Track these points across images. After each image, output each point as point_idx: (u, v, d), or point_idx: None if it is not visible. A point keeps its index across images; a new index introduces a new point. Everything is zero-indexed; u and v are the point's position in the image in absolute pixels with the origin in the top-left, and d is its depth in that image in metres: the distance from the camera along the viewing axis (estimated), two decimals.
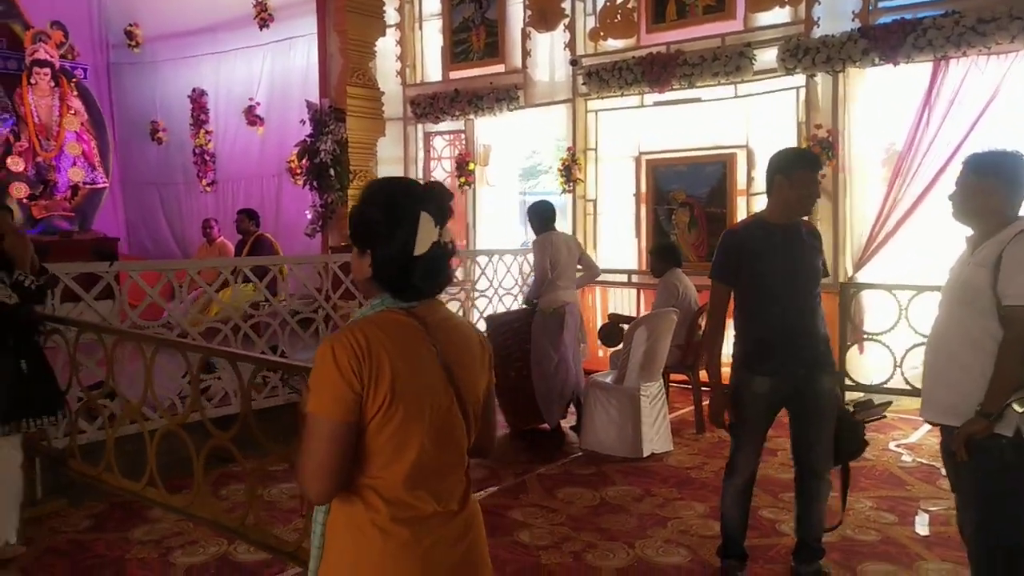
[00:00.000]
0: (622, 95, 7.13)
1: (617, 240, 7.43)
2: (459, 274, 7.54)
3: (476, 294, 7.10)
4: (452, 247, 1.56)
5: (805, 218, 3.09)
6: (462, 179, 8.30)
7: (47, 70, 8.87)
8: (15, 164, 8.73)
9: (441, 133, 8.72)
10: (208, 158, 10.31)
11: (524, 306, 5.54)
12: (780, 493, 4.08)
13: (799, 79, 6.24)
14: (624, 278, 7.26)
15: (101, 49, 10.59)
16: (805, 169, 2.90)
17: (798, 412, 3.05)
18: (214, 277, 5.50)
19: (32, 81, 8.83)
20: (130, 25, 10.55)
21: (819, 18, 6.11)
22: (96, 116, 9.48)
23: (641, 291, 7.09)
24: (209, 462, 3.26)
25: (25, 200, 8.75)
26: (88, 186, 9.30)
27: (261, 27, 9.58)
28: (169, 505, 3.29)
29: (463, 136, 8.47)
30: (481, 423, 1.66)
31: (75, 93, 9.16)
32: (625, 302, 7.26)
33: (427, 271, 1.50)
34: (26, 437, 3.69)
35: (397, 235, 1.48)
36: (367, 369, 1.42)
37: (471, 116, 8.20)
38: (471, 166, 8.26)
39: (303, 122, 8.35)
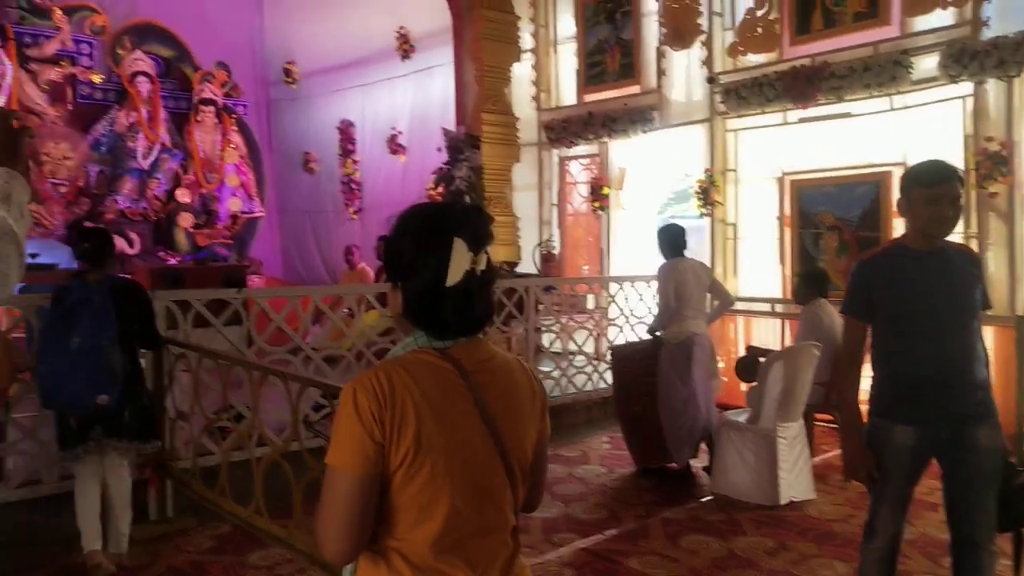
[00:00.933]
0: (763, 112, 6.72)
1: (759, 267, 6.98)
2: (591, 301, 7.35)
3: (607, 322, 6.87)
4: (491, 275, 1.38)
5: (958, 242, 2.67)
6: (596, 203, 8.12)
7: (211, 108, 9.54)
8: (183, 196, 9.42)
9: (576, 157, 8.59)
10: (355, 187, 10.71)
11: (651, 336, 5.26)
12: (941, 557, 3.57)
13: (965, 87, 5.62)
14: (767, 307, 6.79)
15: (262, 86, 11.30)
16: (934, 184, 2.49)
17: (951, 470, 2.61)
18: (352, 302, 5.82)
19: (198, 119, 9.52)
20: (288, 63, 11.22)
21: (989, 18, 5.48)
22: (254, 149, 10.09)
23: (785, 322, 6.60)
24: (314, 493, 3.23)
25: (191, 229, 9.41)
26: (246, 215, 9.90)
27: (403, 58, 9.90)
28: (270, 533, 3.29)
29: (598, 160, 8.30)
30: (532, 475, 1.47)
31: (235, 128, 9.79)
32: (769, 333, 6.78)
33: (459, 304, 1.34)
34: (152, 456, 3.85)
35: (427, 264, 1.33)
36: (389, 416, 1.27)
37: (605, 139, 8.02)
38: (605, 190, 8.06)
39: (439, 150, 8.49)
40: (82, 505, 3.51)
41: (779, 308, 6.68)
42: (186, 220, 9.34)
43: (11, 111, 1.59)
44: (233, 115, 9.82)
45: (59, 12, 8.68)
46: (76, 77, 8.87)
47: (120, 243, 8.77)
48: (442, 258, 1.32)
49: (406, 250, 1.35)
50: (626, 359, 5.30)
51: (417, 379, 1.32)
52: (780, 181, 6.76)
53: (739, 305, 6.89)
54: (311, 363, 5.05)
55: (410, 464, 1.28)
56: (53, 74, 8.62)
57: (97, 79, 9.01)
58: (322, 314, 5.47)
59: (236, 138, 9.78)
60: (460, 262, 1.32)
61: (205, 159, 9.58)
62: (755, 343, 6.39)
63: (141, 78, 9.15)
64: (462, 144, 8.25)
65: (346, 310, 6.64)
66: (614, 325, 6.80)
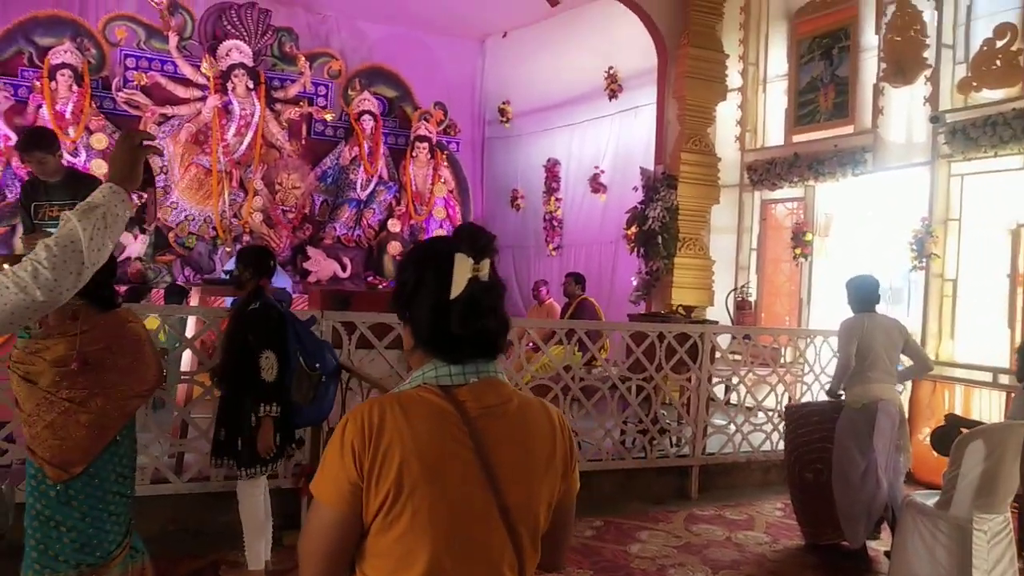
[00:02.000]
0: (996, 155, 5.91)
1: (982, 329, 6.10)
2: (786, 354, 6.81)
3: (795, 378, 6.32)
4: (497, 283, 1.30)
5: None
6: (798, 250, 7.56)
7: (425, 144, 10.14)
8: (394, 226, 10.06)
9: (779, 201, 8.07)
10: (556, 224, 10.84)
11: (829, 398, 4.74)
12: None
13: None
14: (988, 376, 5.90)
15: (478, 125, 11.84)
16: None
17: None
18: (546, 335, 5.97)
19: (414, 154, 10.15)
20: (503, 103, 11.67)
21: None
22: (462, 184, 10.55)
23: (1012, 396, 5.68)
24: None
25: (398, 257, 10.01)
26: None
27: (610, 98, 9.94)
28: None
29: (802, 204, 7.74)
30: (549, 536, 1.33)
31: (446, 164, 10.31)
32: (990, 407, 5.88)
33: (467, 314, 1.26)
34: (306, 468, 4.06)
35: (430, 282, 1.28)
36: (371, 456, 1.20)
37: (811, 182, 7.47)
38: (808, 236, 7.48)
39: (635, 189, 8.37)
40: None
41: (1003, 379, 5.77)
42: (395, 248, 9.94)
43: (139, 132, 1.70)
44: (445, 151, 10.35)
45: (303, 59, 9.67)
46: (312, 116, 9.83)
47: (333, 266, 9.54)
48: (444, 271, 1.26)
49: (408, 278, 1.32)
50: (800, 420, 4.82)
51: (411, 418, 1.24)
52: (1014, 233, 5.89)
53: (957, 372, 6.07)
54: None
55: (389, 509, 1.20)
56: (293, 113, 9.60)
57: (329, 117, 9.92)
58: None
59: (446, 173, 10.29)
60: (463, 271, 1.26)
61: (416, 192, 10.17)
62: (971, 416, 5.56)
63: (366, 116, 9.93)
64: (658, 183, 8.07)
65: (530, 344, 6.70)
66: (802, 382, 6.24)
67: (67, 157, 8.16)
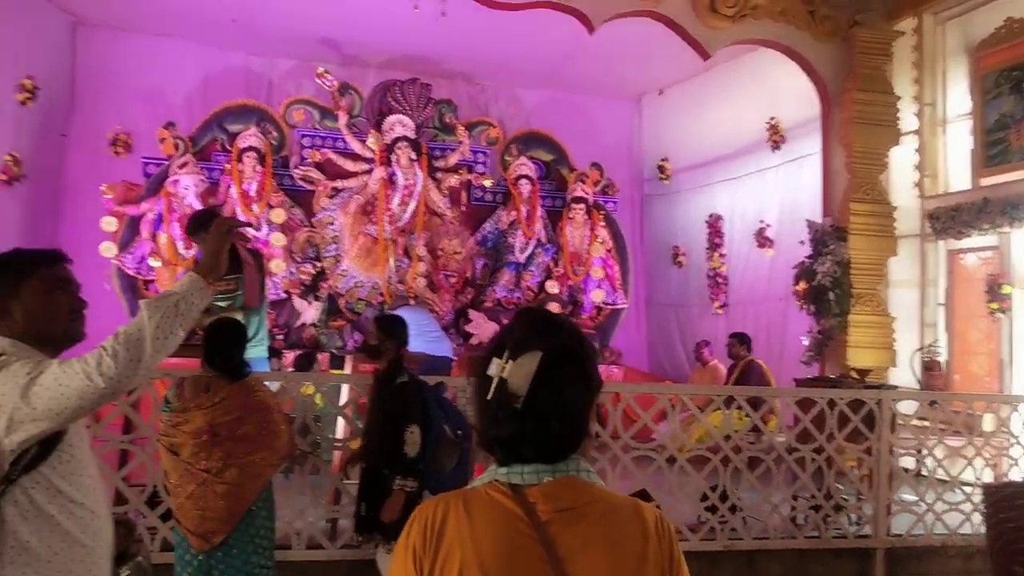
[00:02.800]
0: None
1: None
2: (987, 422, 6.06)
3: (999, 451, 5.58)
4: (557, 384, 1.20)
5: None
6: (994, 305, 6.77)
7: (582, 205, 10.14)
8: (552, 287, 10.07)
9: (968, 250, 7.30)
10: (720, 281, 10.44)
11: None
12: None
13: None
14: None
15: (636, 183, 11.73)
16: None
17: None
18: (703, 402, 5.75)
19: (570, 215, 10.17)
20: (662, 160, 11.52)
21: None
22: (619, 243, 10.43)
23: None
24: None
25: None
26: (609, 306, 10.22)
27: (773, 149, 9.55)
28: None
29: (997, 253, 6.95)
30: None
31: (603, 223, 10.24)
32: None
33: (497, 416, 1.19)
34: None
35: (480, 383, 1.23)
36: (430, 559, 1.13)
37: (1006, 228, 6.71)
38: (1006, 289, 6.68)
39: (802, 243, 7.91)
40: None
41: None
42: (553, 309, 9.92)
43: (228, 220, 1.75)
44: (602, 211, 10.30)
45: (462, 128, 10.03)
46: (471, 182, 10.12)
47: (494, 328, 9.63)
48: (482, 372, 1.22)
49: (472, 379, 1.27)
50: (1004, 502, 4.19)
51: (474, 520, 1.14)
52: None
53: None
54: (675, 462, 5.01)
55: None
56: (453, 181, 9.93)
57: (488, 183, 10.17)
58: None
59: (603, 233, 10.22)
60: (493, 372, 1.20)
61: (574, 253, 10.15)
62: None
63: (523, 181, 10.10)
64: (827, 236, 7.56)
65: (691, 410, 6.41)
66: (1007, 456, 5.50)
67: (252, 232, 8.88)
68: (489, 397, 1.19)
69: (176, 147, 8.83)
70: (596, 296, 10.09)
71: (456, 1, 7.46)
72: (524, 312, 1.32)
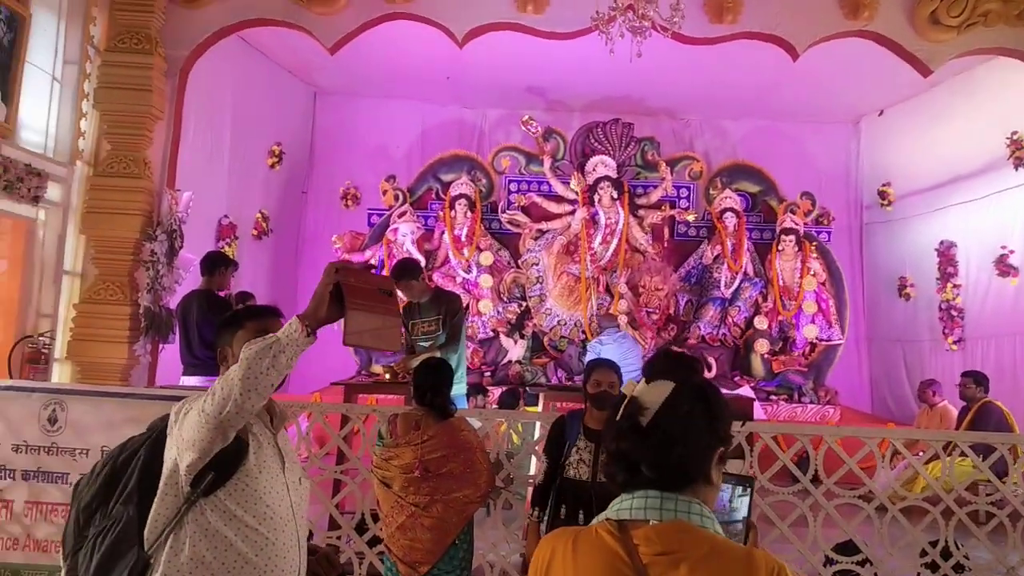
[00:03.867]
0: None
1: None
2: None
3: None
4: (672, 410, 1.30)
5: None
6: None
7: (792, 237, 9.70)
8: (760, 323, 9.69)
9: None
10: (955, 314, 9.48)
11: None
12: None
13: None
14: None
15: (854, 211, 11.02)
16: None
17: None
18: (924, 447, 5.32)
19: (780, 248, 9.76)
20: (883, 185, 10.73)
21: None
22: (835, 275, 9.83)
23: None
24: None
25: (767, 355, 9.58)
26: (823, 342, 9.64)
27: (1016, 166, 8.59)
28: None
29: None
30: None
31: (815, 255, 9.72)
32: None
33: (620, 429, 1.29)
34: None
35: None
36: None
37: None
38: None
39: None
40: None
41: None
42: (762, 346, 9.53)
43: (336, 264, 1.91)
44: (814, 242, 9.79)
45: (664, 165, 10.03)
46: (674, 218, 10.06)
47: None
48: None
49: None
50: None
51: (578, 560, 1.21)
52: None
53: None
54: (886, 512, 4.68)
55: None
56: (655, 217, 9.93)
57: (691, 218, 10.05)
58: (895, 454, 5.08)
59: (816, 265, 9.69)
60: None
61: (784, 287, 9.71)
62: None
63: (728, 214, 9.86)
64: None
65: (919, 454, 5.92)
66: None
67: (461, 274, 9.47)
68: (619, 416, 1.25)
69: (396, 198, 9.67)
70: (809, 332, 9.57)
71: (651, 41, 7.53)
72: (665, 350, 1.38)
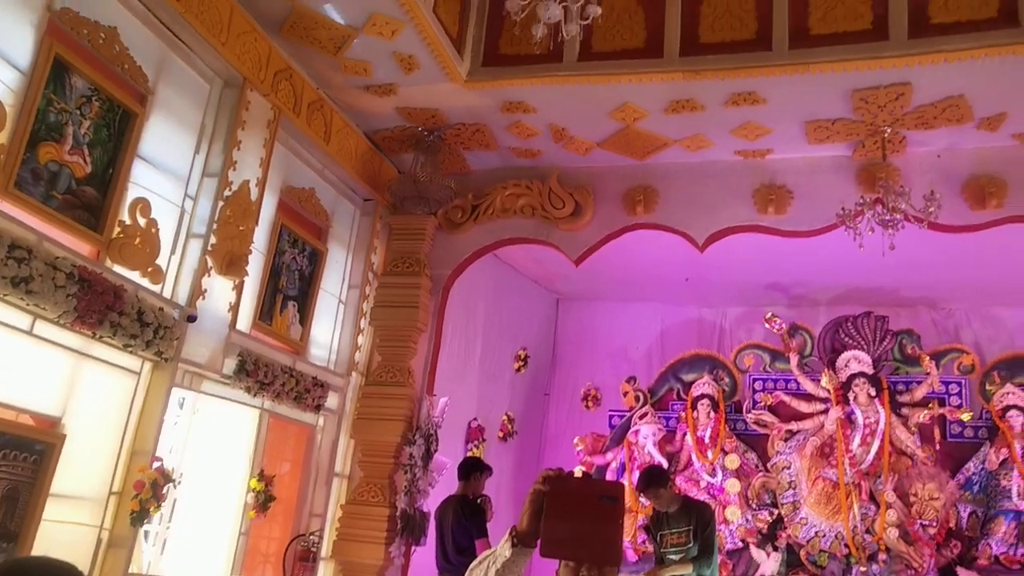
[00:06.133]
0: None
1: None
2: None
3: None
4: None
5: None
6: None
7: None
8: None
9: None
10: None
11: None
12: None
13: None
14: None
15: None
16: None
17: None
18: None
19: None
20: None
21: None
22: None
23: None
24: None
25: None
26: None
27: None
28: None
29: None
30: None
31: None
32: None
33: None
34: None
35: None
36: None
37: None
38: None
39: None
40: None
41: None
42: None
43: (544, 471, 1.84)
44: None
45: (927, 358, 9.21)
46: (945, 417, 9.05)
47: None
48: None
49: None
50: None
51: None
52: None
53: None
54: None
55: None
56: (922, 416, 8.99)
57: (966, 417, 8.97)
58: None
59: None
60: None
61: None
62: None
63: (1013, 412, 8.70)
64: None
65: None
66: None
67: (706, 478, 9.06)
68: None
69: (637, 399, 9.65)
70: None
71: (905, 233, 7.22)
72: None
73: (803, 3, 6.33)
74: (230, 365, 5.86)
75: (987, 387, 9.14)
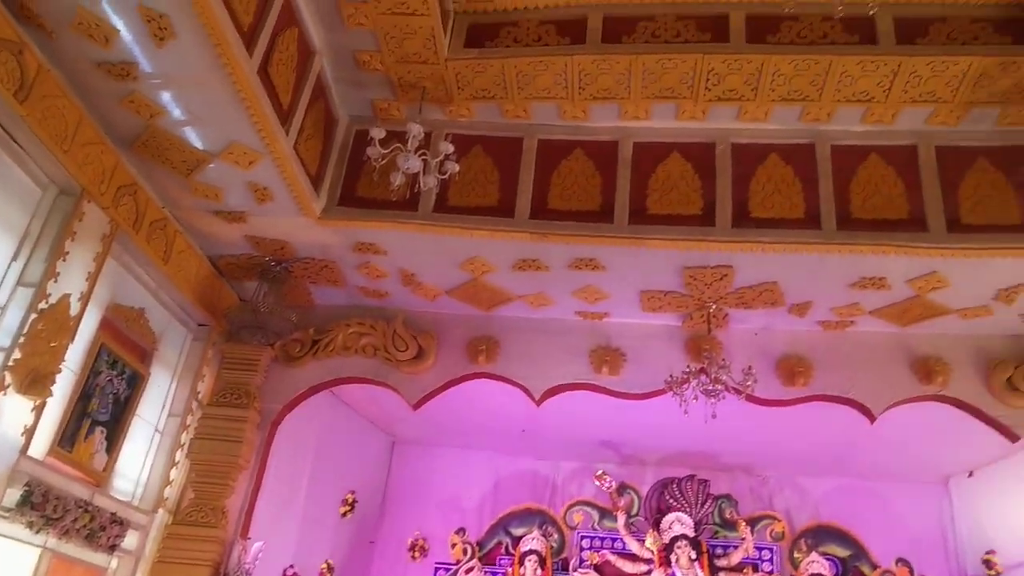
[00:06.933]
0: None
1: None
2: None
3: None
4: None
5: None
6: None
7: None
8: None
9: None
10: None
11: None
12: None
13: None
14: None
15: None
16: None
17: None
18: None
19: None
20: (987, 554, 9.93)
21: None
22: None
23: None
24: None
25: None
26: None
27: None
28: None
29: None
30: None
31: None
32: None
33: None
34: None
35: None
36: None
37: None
38: None
39: None
40: None
41: None
42: None
43: None
44: None
45: (743, 524, 9.59)
46: None
47: None
48: None
49: None
50: None
51: None
52: None
53: None
54: None
55: None
56: None
57: None
58: None
59: None
60: None
61: None
62: None
63: None
64: None
65: None
66: None
67: None
68: None
69: (465, 551, 9.38)
70: None
71: (726, 403, 7.68)
72: None
73: (643, 184, 6.92)
74: (12, 496, 5.22)
75: (795, 554, 9.59)
